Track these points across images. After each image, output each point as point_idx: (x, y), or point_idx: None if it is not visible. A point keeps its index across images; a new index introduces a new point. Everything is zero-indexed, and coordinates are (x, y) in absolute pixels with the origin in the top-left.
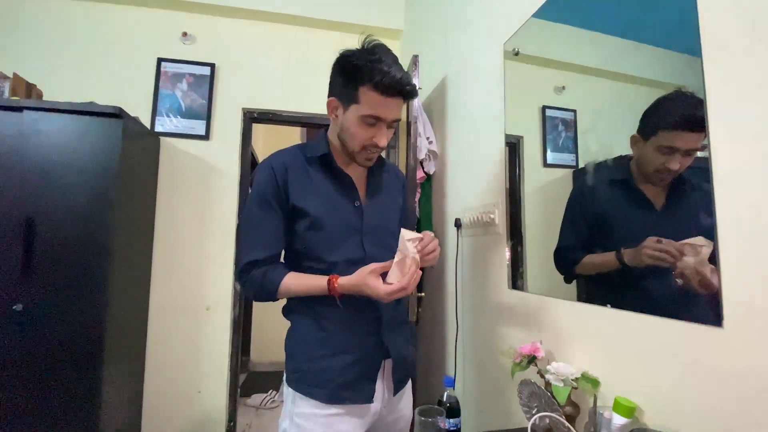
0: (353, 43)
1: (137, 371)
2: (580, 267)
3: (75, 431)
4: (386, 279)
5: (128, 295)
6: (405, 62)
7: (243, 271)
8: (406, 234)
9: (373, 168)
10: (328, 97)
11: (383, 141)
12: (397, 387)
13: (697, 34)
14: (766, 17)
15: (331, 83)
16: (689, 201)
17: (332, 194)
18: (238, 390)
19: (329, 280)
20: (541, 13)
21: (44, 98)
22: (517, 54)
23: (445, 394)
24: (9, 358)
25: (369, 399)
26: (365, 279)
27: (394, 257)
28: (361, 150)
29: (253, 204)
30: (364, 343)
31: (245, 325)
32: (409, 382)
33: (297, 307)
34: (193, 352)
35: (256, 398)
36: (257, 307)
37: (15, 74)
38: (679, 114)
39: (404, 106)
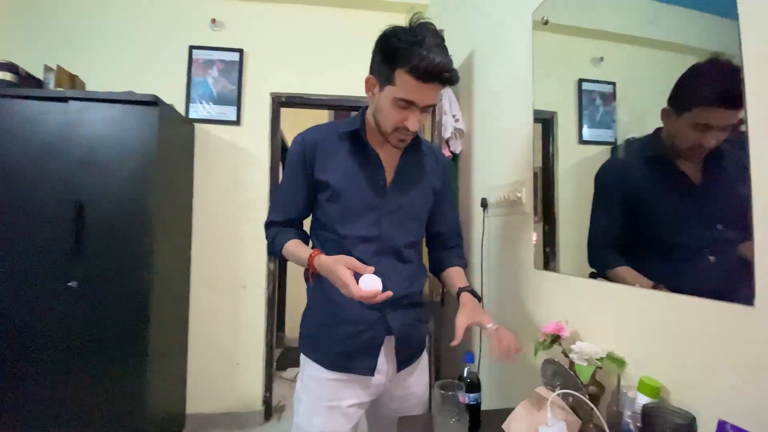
0: (379, 22)
1: (181, 344)
2: (613, 273)
3: (126, 399)
4: (360, 281)
5: (171, 273)
6: None
7: (265, 227)
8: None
9: (408, 149)
10: (369, 73)
11: (415, 125)
12: (402, 364)
13: None
14: None
15: (372, 61)
16: (728, 174)
17: (355, 169)
18: (274, 363)
19: (310, 254)
20: None
21: (86, 89)
22: (546, 23)
23: (466, 369)
24: (66, 331)
25: (369, 372)
26: (336, 268)
27: (408, 239)
28: (393, 131)
29: (284, 172)
30: (367, 317)
31: (280, 303)
32: (425, 359)
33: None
34: (232, 328)
35: (291, 372)
36: (290, 285)
37: (59, 66)
38: (715, 88)
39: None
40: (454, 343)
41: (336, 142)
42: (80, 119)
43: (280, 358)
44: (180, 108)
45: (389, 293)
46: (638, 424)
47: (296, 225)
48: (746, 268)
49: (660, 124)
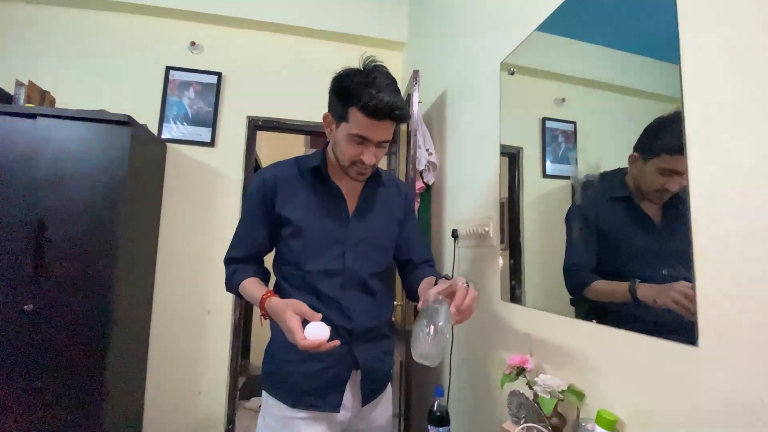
0: (356, 55)
1: (140, 371)
2: (589, 291)
3: (79, 427)
4: (306, 329)
5: (133, 297)
6: (407, 75)
7: (225, 263)
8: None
9: (369, 182)
10: (327, 111)
11: (371, 159)
12: (367, 398)
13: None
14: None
15: (329, 99)
16: (683, 216)
17: (317, 204)
18: (238, 393)
19: (262, 296)
20: (543, 27)
21: (57, 105)
22: (512, 74)
23: (436, 403)
24: (18, 356)
25: (335, 408)
26: (284, 313)
27: (373, 270)
28: (351, 165)
29: (244, 208)
30: (333, 352)
31: (245, 330)
32: (389, 391)
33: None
34: (194, 355)
35: (255, 401)
36: (257, 312)
37: (30, 81)
38: (680, 138)
39: (399, 124)
40: (420, 304)
41: (297, 178)
42: (48, 136)
43: (243, 387)
44: (153, 128)
45: (336, 342)
46: None
47: (257, 262)
48: (691, 309)
49: (620, 164)
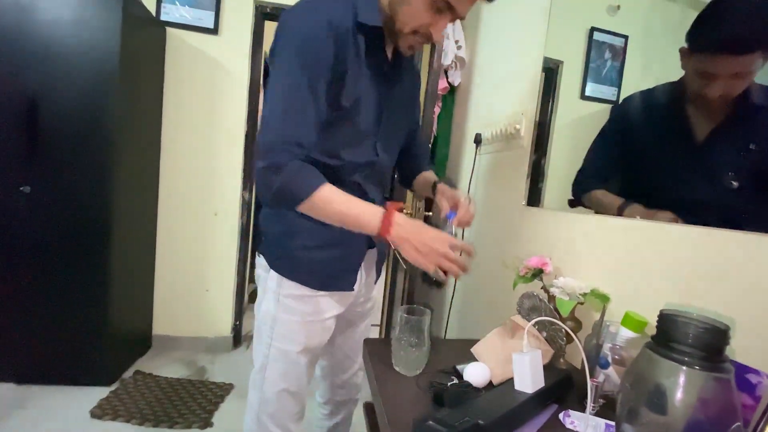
0: None
1: (147, 264)
2: (587, 198)
3: (85, 312)
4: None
5: (136, 187)
6: None
7: (271, 149)
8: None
9: (401, 56)
10: None
11: (440, 35)
12: (377, 274)
13: None
14: None
15: None
16: (742, 131)
17: (370, 81)
18: (246, 295)
19: (388, 210)
20: None
21: None
22: None
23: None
24: (18, 240)
25: (351, 287)
26: (426, 227)
27: (392, 166)
28: (411, 33)
29: (297, 62)
30: (358, 243)
31: (255, 236)
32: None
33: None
34: (202, 255)
35: None
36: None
37: None
38: (723, 31)
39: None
40: (443, 214)
41: (355, 37)
42: (34, 5)
43: (253, 293)
44: (150, 6)
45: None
46: (617, 356)
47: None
48: None
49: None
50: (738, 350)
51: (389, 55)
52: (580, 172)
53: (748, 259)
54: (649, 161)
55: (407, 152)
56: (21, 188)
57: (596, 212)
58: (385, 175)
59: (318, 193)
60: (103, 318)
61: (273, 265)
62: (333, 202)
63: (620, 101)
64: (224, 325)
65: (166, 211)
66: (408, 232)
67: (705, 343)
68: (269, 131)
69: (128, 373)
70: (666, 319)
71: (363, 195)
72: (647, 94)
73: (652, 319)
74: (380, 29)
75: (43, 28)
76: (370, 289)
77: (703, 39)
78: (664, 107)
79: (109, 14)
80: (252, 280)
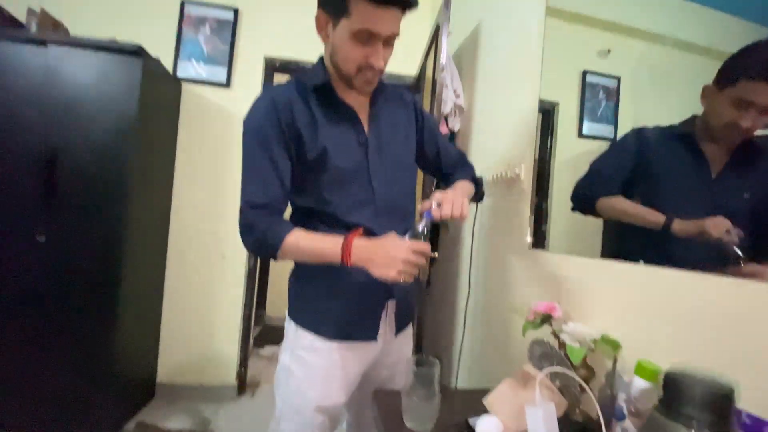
0: None
1: (154, 309)
2: (604, 203)
3: (92, 359)
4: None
5: (146, 234)
6: (437, 3)
7: (243, 213)
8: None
9: (376, 96)
10: (318, 8)
11: (380, 61)
12: (400, 328)
13: None
14: None
15: None
16: (751, 168)
17: (334, 129)
18: (251, 339)
19: (347, 240)
20: None
21: (70, 36)
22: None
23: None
24: (30, 287)
25: (373, 336)
26: (386, 238)
27: (403, 191)
28: (357, 73)
29: (251, 144)
30: (369, 284)
31: (261, 279)
32: (410, 327)
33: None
34: (209, 298)
35: (269, 350)
36: (274, 262)
37: (42, 10)
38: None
39: (406, 12)
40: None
41: (306, 101)
42: (60, 65)
43: (258, 336)
44: (168, 65)
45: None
46: (632, 408)
47: (281, 212)
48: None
49: (670, 121)
50: (755, 400)
51: (363, 99)
52: (589, 177)
53: (752, 308)
54: (661, 185)
55: (446, 178)
56: (37, 237)
57: (607, 219)
58: (399, 207)
59: (286, 240)
60: (109, 367)
61: (291, 313)
62: (300, 245)
63: (626, 134)
64: (229, 372)
65: (175, 256)
66: (367, 252)
67: (711, 407)
68: (242, 201)
69: (131, 424)
70: (671, 382)
71: (367, 233)
72: (662, 130)
73: (666, 366)
74: (328, 84)
75: (67, 86)
76: (395, 345)
77: (749, 66)
78: (681, 138)
79: (129, 73)
80: (258, 322)
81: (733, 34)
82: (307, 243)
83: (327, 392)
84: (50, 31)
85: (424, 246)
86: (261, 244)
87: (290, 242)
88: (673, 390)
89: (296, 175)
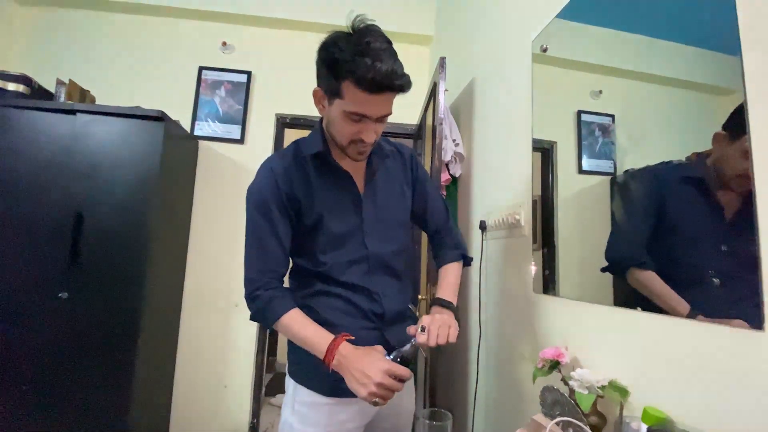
0: None
1: (169, 361)
2: (635, 276)
3: (108, 413)
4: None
5: (164, 289)
6: (433, 66)
7: (247, 284)
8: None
9: (371, 156)
10: (317, 85)
11: (371, 137)
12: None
13: (736, 30)
14: None
15: (317, 72)
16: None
17: (330, 192)
18: (263, 388)
19: (333, 342)
20: (565, 14)
21: (96, 103)
22: (545, 50)
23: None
24: (52, 343)
25: None
26: (371, 353)
27: (395, 248)
28: (350, 145)
29: (254, 218)
30: (365, 337)
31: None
32: (411, 379)
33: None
34: (222, 347)
35: (281, 398)
36: None
37: (71, 80)
38: None
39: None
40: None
41: (303, 168)
42: (86, 132)
43: (270, 384)
44: (186, 125)
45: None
46: None
47: (281, 280)
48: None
49: (665, 158)
50: None
51: (360, 164)
52: (616, 239)
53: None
54: (678, 231)
55: (432, 237)
56: (60, 294)
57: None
58: (393, 262)
59: (281, 320)
60: (123, 422)
61: (289, 371)
62: (291, 329)
63: (653, 167)
64: (241, 423)
65: (189, 306)
66: (347, 363)
67: None
68: (245, 271)
69: None
70: None
71: (362, 291)
72: (673, 170)
73: (673, 413)
74: (323, 153)
75: (93, 151)
76: (395, 397)
77: None
78: (694, 182)
79: (152, 136)
80: (269, 369)
81: (710, 67)
82: (298, 330)
83: None
84: (78, 99)
85: (402, 371)
86: (260, 316)
87: (284, 323)
88: None
89: (293, 238)
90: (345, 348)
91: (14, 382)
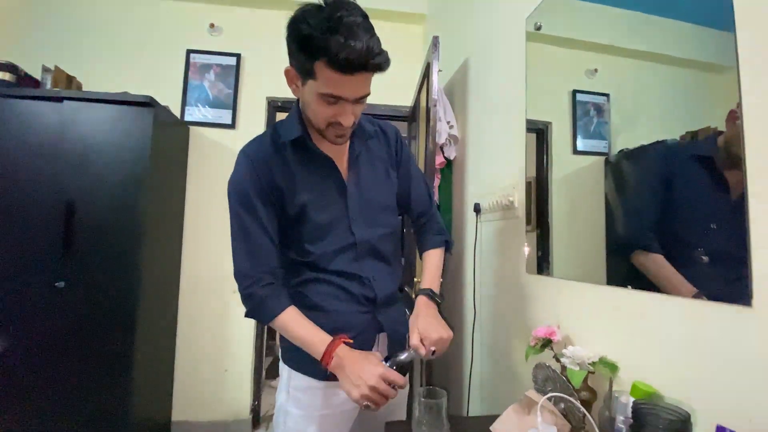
0: (375, 30)
1: (169, 348)
2: (640, 260)
3: (110, 404)
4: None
5: (160, 276)
6: (427, 45)
7: (239, 281)
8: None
9: (354, 138)
10: (289, 64)
11: (349, 120)
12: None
13: (730, 6)
14: None
15: (288, 50)
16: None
17: (312, 179)
18: (263, 371)
19: (332, 343)
20: None
21: (83, 89)
22: (539, 28)
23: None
24: (51, 331)
25: None
26: (369, 357)
27: (383, 232)
28: (327, 127)
29: (237, 210)
30: (358, 320)
31: None
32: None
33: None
34: (221, 333)
35: None
36: None
37: (57, 67)
38: None
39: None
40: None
41: (282, 154)
42: (75, 119)
43: (270, 367)
44: (176, 111)
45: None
46: (630, 426)
47: (276, 275)
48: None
49: (660, 137)
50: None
51: (342, 147)
52: (620, 218)
53: (726, 331)
54: (683, 209)
55: (415, 222)
56: (56, 284)
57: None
58: (381, 246)
59: (277, 319)
60: (125, 408)
61: (282, 357)
62: (288, 328)
63: (656, 146)
64: (243, 406)
65: (187, 292)
66: (345, 363)
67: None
68: (235, 267)
69: None
70: (637, 411)
71: (352, 277)
72: (682, 149)
73: (661, 387)
74: (301, 138)
75: (81, 138)
76: None
77: None
78: (702, 160)
79: (141, 122)
80: (268, 353)
81: (708, 44)
82: (295, 329)
83: (325, 430)
84: (64, 85)
85: (397, 378)
86: (255, 313)
87: (280, 322)
88: (640, 418)
89: (279, 228)
90: (342, 350)
91: (14, 372)
